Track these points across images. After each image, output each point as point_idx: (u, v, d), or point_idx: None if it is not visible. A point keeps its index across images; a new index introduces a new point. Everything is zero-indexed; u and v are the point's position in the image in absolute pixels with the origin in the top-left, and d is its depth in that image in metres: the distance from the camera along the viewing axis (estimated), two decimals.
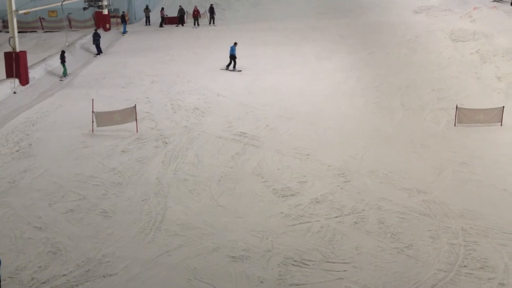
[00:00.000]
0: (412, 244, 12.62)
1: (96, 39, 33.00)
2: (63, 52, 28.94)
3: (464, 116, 20.24)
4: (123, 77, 27.69)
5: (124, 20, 39.26)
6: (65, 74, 28.64)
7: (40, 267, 11.81)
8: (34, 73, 27.60)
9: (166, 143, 19.06)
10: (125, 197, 15.18)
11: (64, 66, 28.63)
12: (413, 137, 19.38)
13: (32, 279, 11.36)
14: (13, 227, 13.53)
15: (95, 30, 34.45)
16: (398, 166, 16.93)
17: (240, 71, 27.92)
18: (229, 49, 28.48)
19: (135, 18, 42.47)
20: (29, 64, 27.34)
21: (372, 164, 17.05)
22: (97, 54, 33.07)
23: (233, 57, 28.14)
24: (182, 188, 15.71)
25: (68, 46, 32.10)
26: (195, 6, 40.59)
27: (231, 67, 28.21)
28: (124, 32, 38.92)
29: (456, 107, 20.38)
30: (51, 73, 28.86)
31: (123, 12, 40.21)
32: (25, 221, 13.84)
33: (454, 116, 20.36)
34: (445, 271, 11.58)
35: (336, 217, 13.91)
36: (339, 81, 26.12)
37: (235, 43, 28.45)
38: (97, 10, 37.30)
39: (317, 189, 15.48)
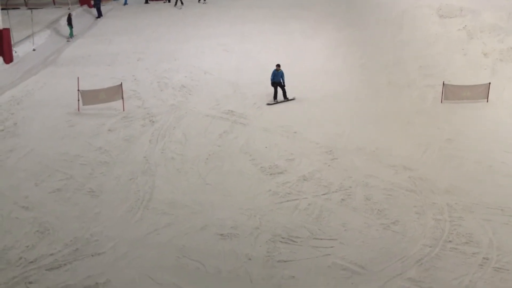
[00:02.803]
0: (398, 220, 12.76)
1: (97, 2, 34.95)
2: (69, 15, 31.06)
3: (450, 93, 20.32)
4: (109, 55, 27.34)
5: None
6: (71, 35, 30.71)
7: (27, 246, 11.79)
8: (18, 51, 27.18)
9: (153, 121, 18.96)
10: (113, 176, 15.14)
11: (70, 28, 30.68)
12: (399, 114, 19.44)
13: (20, 258, 11.35)
14: (0, 207, 13.45)
15: None
16: (385, 143, 17.02)
17: (293, 99, 21.00)
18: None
19: None
20: (12, 42, 26.90)
21: (359, 142, 17.12)
22: (97, 17, 34.79)
23: (276, 84, 20.84)
24: (170, 167, 15.69)
25: (69, 9, 34.19)
26: None
27: (279, 97, 20.89)
28: (125, 3, 39.42)
29: (443, 83, 20.44)
30: (35, 50, 28.44)
31: None
32: (11, 201, 13.77)
33: (440, 93, 20.44)
34: (430, 246, 11.74)
35: (324, 194, 14.00)
36: (325, 59, 26.02)
37: (278, 65, 21.00)
38: None
39: (304, 166, 15.54)
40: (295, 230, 12.40)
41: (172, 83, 22.94)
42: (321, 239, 12.08)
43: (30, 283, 10.57)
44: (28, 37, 29.23)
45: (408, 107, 20.18)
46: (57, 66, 25.98)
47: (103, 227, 12.60)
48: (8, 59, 26.03)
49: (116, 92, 20.19)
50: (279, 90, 20.88)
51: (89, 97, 19.89)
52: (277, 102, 20.61)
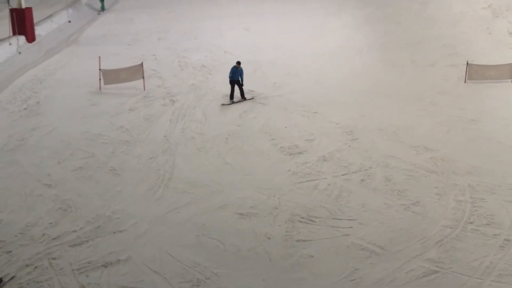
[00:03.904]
0: (418, 201, 12.66)
1: None
2: None
3: (474, 73, 19.97)
4: (129, 34, 27.43)
5: None
6: (102, 8, 31.93)
7: (50, 223, 11.99)
8: (40, 30, 27.38)
9: (174, 101, 19.02)
10: (134, 155, 15.27)
11: (101, 1, 31.80)
12: (422, 94, 19.19)
13: (43, 235, 11.56)
14: (23, 184, 13.69)
15: None
16: (407, 123, 16.84)
17: (252, 98, 19.11)
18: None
19: None
20: (34, 21, 27.09)
21: (380, 122, 16.97)
22: None
23: (234, 82, 18.87)
24: (190, 146, 15.76)
25: None
26: None
27: (236, 97, 18.94)
28: None
29: (467, 63, 20.09)
30: (57, 29, 28.66)
31: None
32: (34, 179, 13.99)
33: (464, 72, 20.10)
34: (451, 228, 11.65)
35: (343, 174, 13.94)
36: (347, 38, 25.72)
37: (238, 63, 18.99)
38: None
39: (324, 147, 15.47)
40: (314, 210, 12.40)
41: (192, 62, 22.94)
42: (340, 219, 12.07)
43: (53, 259, 10.78)
44: (49, 16, 29.42)
45: (431, 86, 19.91)
46: (78, 45, 26.15)
47: (124, 205, 12.74)
48: (31, 38, 26.24)
49: (137, 71, 20.27)
50: (237, 89, 18.85)
51: (110, 76, 20.00)
52: (233, 102, 18.70)
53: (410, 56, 23.00)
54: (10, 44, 24.22)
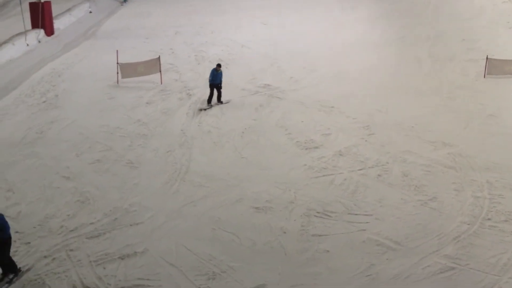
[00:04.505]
0: (436, 197, 12.56)
1: None
2: None
3: (494, 68, 19.72)
4: (147, 28, 27.57)
5: None
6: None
7: (68, 215, 12.13)
8: (59, 24, 27.62)
9: (190, 95, 19.08)
10: (151, 148, 15.36)
11: None
12: (440, 89, 19.01)
13: (61, 227, 11.69)
14: (42, 176, 13.85)
15: None
16: (424, 118, 16.70)
17: (228, 101, 18.37)
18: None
19: None
20: (53, 15, 27.33)
21: (398, 117, 16.85)
22: None
23: (213, 86, 18.11)
24: (206, 140, 15.81)
25: None
26: None
27: (214, 100, 18.20)
28: None
29: (487, 58, 19.83)
30: (77, 22, 28.89)
31: None
32: (53, 171, 14.14)
33: (484, 67, 19.84)
34: (468, 224, 11.54)
35: (360, 169, 13.88)
36: (364, 31, 25.56)
37: (218, 65, 18.20)
38: None
39: (341, 141, 15.41)
40: (330, 204, 12.37)
41: (209, 56, 22.98)
42: (356, 214, 12.02)
43: (71, 250, 10.90)
44: (68, 10, 29.68)
45: (449, 81, 19.71)
46: (96, 39, 26.35)
47: (141, 198, 12.83)
48: (50, 32, 26.49)
49: (154, 65, 20.36)
50: (215, 92, 18.16)
51: (128, 70, 20.12)
52: (211, 107, 17.98)
53: (428, 50, 22.78)
54: (27, 45, 24.39)
